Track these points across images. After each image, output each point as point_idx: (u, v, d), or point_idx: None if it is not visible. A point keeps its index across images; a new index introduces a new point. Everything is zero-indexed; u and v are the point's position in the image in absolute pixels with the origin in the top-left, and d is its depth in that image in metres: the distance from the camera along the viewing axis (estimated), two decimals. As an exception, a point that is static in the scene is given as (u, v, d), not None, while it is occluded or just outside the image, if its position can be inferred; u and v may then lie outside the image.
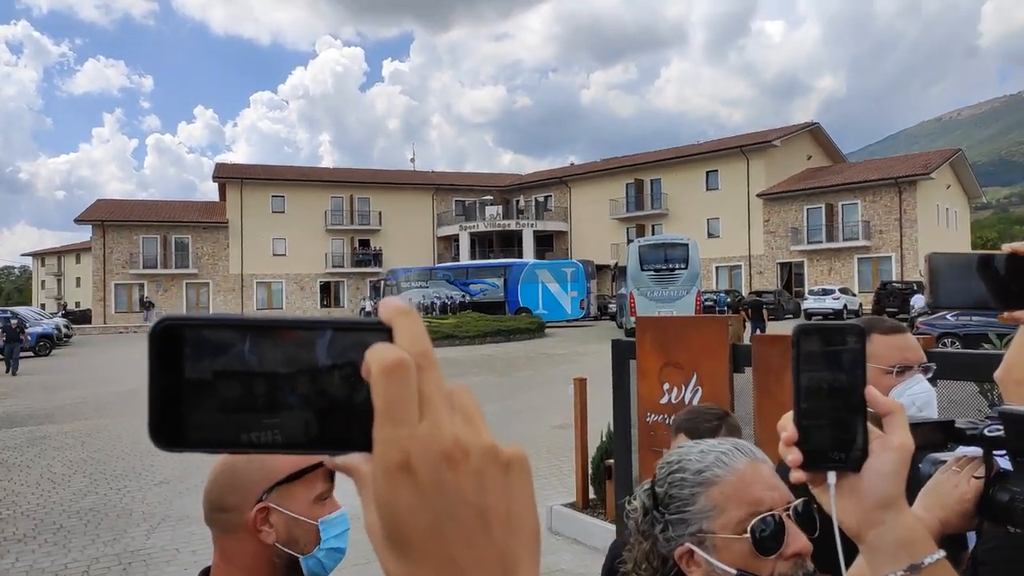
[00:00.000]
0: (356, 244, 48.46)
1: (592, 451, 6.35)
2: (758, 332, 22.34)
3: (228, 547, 1.23)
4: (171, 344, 0.36)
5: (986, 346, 5.88)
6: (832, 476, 0.69)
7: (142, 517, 6.98)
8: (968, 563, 1.31)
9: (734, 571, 1.00)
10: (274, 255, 46.19)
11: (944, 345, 16.00)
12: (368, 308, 40.46)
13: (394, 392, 0.35)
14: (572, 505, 6.19)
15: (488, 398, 13.01)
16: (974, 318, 16.55)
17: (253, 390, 0.37)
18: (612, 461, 5.76)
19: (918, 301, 28.40)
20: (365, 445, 0.37)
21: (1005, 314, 1.08)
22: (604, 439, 6.24)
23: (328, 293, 47.44)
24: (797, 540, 0.99)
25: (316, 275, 46.93)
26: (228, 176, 46.78)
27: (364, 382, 0.36)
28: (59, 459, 9.42)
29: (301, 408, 0.37)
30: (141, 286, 44.19)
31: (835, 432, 0.68)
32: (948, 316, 17.76)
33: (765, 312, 23.19)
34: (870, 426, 0.69)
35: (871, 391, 0.68)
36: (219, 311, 44.64)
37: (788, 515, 1.00)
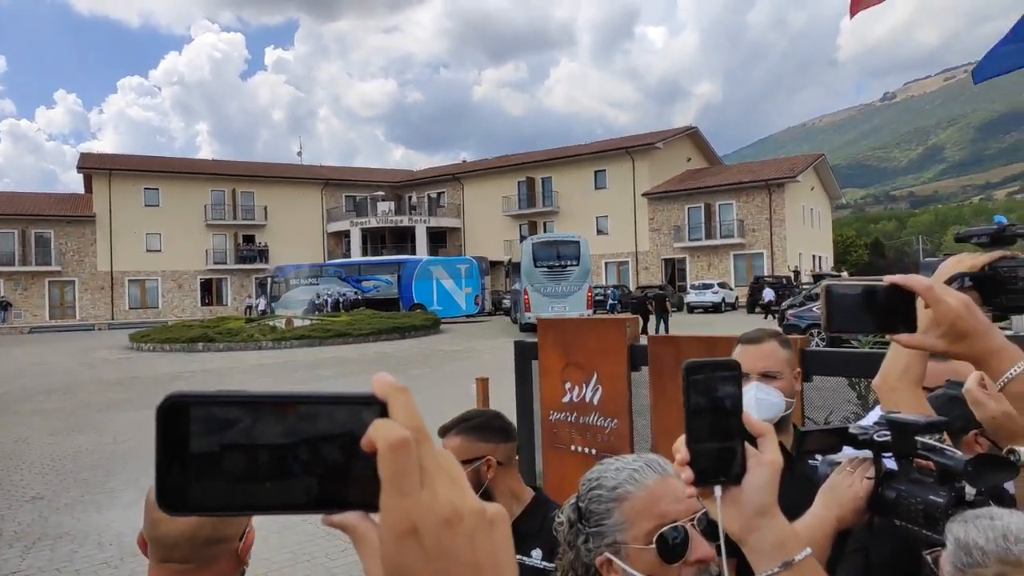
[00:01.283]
0: (240, 240, 46.36)
1: (496, 449, 6.47)
2: (662, 323, 23.98)
3: None
4: (177, 418, 0.39)
5: (853, 343, 6.51)
6: (718, 490, 0.81)
7: (15, 537, 6.48)
8: (860, 550, 1.50)
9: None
10: (148, 251, 43.40)
11: (812, 335, 17.36)
12: (254, 305, 38.84)
13: (400, 466, 0.40)
14: (476, 502, 6.30)
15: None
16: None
17: (258, 460, 0.39)
18: (516, 457, 5.92)
19: (768, 294, 31.07)
20: (359, 505, 0.41)
21: (887, 336, 1.27)
22: (508, 437, 6.39)
23: (209, 291, 45.13)
24: (700, 548, 1.10)
25: (196, 272, 44.52)
26: (95, 167, 43.43)
27: (359, 450, 0.40)
28: (-91, 479, 8.53)
29: (302, 474, 0.40)
30: (-4, 285, 40.38)
31: (719, 453, 0.80)
32: (813, 308, 19.25)
33: (668, 304, 25.10)
34: (747, 445, 0.82)
35: (746, 416, 0.81)
36: (87, 311, 41.54)
37: (693, 525, 1.11)
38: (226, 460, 0.39)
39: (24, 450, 9.83)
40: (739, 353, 2.14)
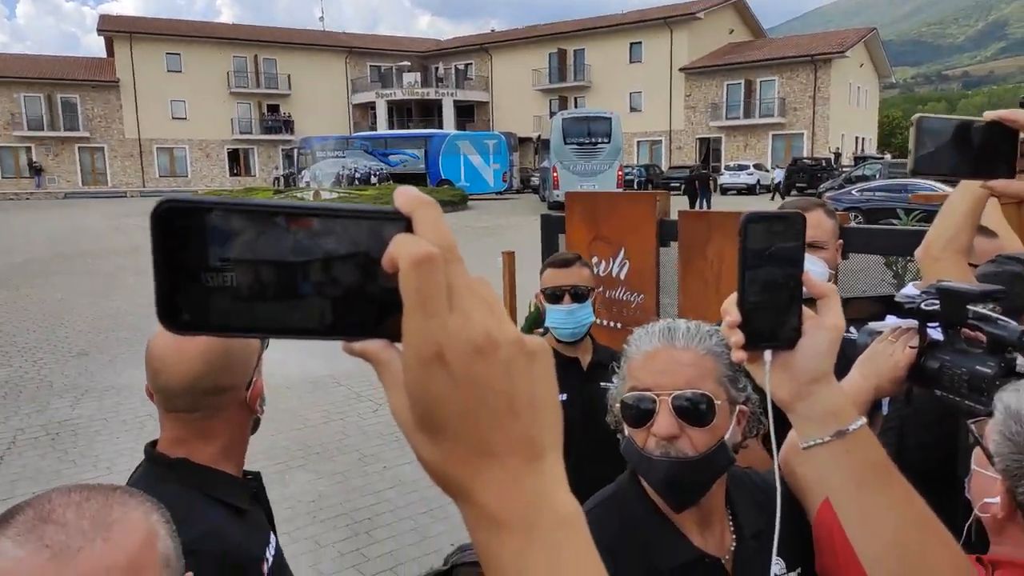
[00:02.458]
0: (264, 109, 45.64)
1: (521, 321, 6.58)
2: (704, 201, 24.15)
3: (210, 427, 1.23)
4: (175, 227, 0.35)
5: (894, 221, 6.33)
6: (768, 354, 0.76)
7: (64, 388, 6.86)
8: (894, 422, 1.48)
9: (627, 432, 1.16)
10: (173, 119, 42.99)
11: (848, 219, 16.99)
12: (279, 175, 38.84)
13: (425, 284, 0.36)
14: (501, 371, 6.46)
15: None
16: (877, 193, 17.55)
17: (262, 279, 0.36)
18: (541, 331, 6.01)
19: (778, 175, 30.52)
20: (381, 332, 0.38)
21: (979, 183, 1.13)
22: (532, 310, 6.46)
23: (237, 161, 45.04)
24: (662, 423, 1.09)
25: (223, 142, 44.27)
26: (115, 29, 42.24)
27: (380, 270, 0.37)
28: (-38, 333, 8.98)
29: (314, 296, 0.37)
30: (28, 149, 40.61)
31: (774, 314, 0.74)
32: (853, 191, 18.73)
33: (711, 183, 25.61)
34: (805, 308, 0.76)
35: (807, 275, 0.74)
36: (118, 178, 41.94)
37: (667, 400, 1.10)
38: (227, 276, 0.36)
39: (66, 310, 10.23)
40: None
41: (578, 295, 2.23)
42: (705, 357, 1.13)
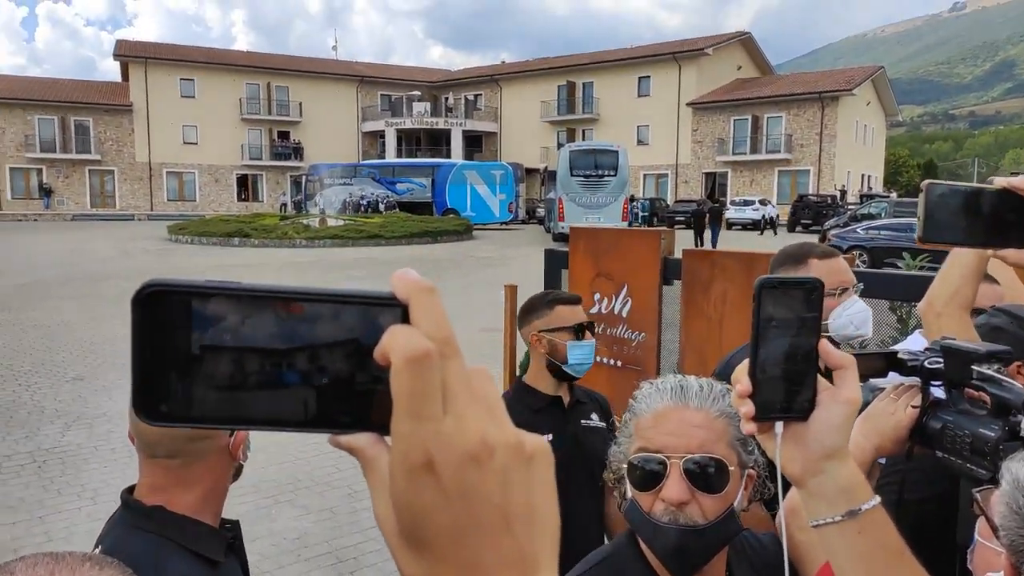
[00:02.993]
0: (275, 136, 46.15)
1: (520, 356, 6.47)
2: (714, 235, 24.36)
3: (190, 474, 1.20)
4: (157, 311, 0.34)
5: (899, 264, 6.23)
6: (779, 426, 0.71)
7: (55, 414, 6.76)
8: (894, 476, 1.40)
9: (631, 494, 1.11)
10: (185, 143, 43.48)
11: (852, 256, 16.91)
12: (288, 203, 39.09)
13: (418, 385, 0.33)
14: (499, 407, 6.34)
15: (415, 300, 12.99)
16: (882, 232, 17.48)
17: (245, 367, 0.34)
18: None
19: (771, 211, 30.98)
20: (370, 425, 0.35)
21: (990, 252, 1.11)
22: (524, 358, 6.36)
23: (246, 186, 45.41)
24: (672, 489, 1.04)
25: (232, 167, 44.69)
26: (131, 55, 42.98)
27: (372, 361, 0.34)
28: (-42, 355, 8.91)
29: (302, 386, 0.35)
30: (40, 171, 41.06)
31: (787, 385, 0.70)
32: (858, 230, 18.67)
33: (723, 217, 25.65)
34: (820, 378, 0.71)
35: (824, 345, 0.70)
36: (126, 201, 42.27)
37: (678, 464, 1.05)
38: (209, 364, 0.34)
39: (65, 333, 10.17)
40: (824, 267, 1.96)
41: (592, 329, 2.25)
42: (718, 419, 1.09)
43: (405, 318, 0.35)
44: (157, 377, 0.34)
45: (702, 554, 1.07)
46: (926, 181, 0.97)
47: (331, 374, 0.35)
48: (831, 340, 1.81)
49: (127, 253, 20.82)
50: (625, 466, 1.11)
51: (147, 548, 1.13)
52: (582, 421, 2.27)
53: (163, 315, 0.34)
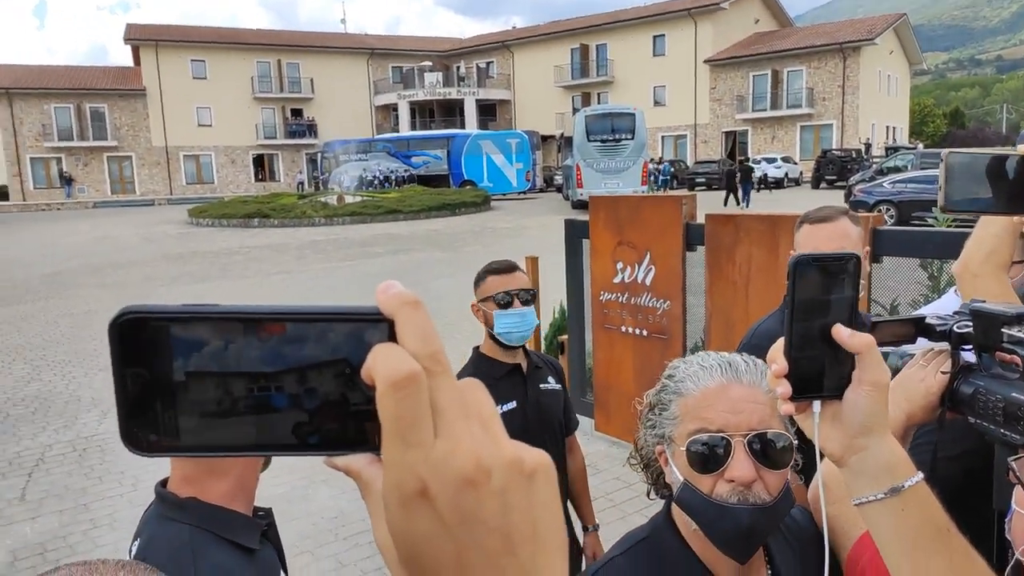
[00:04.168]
0: (288, 114, 46.09)
1: (545, 328, 6.46)
2: (747, 196, 24.10)
3: (223, 463, 1.22)
4: (136, 337, 0.33)
5: (928, 218, 6.08)
6: (817, 405, 0.72)
7: (92, 403, 6.90)
8: (925, 438, 1.38)
9: (682, 479, 1.07)
10: (199, 125, 43.60)
11: (880, 211, 16.58)
12: (304, 181, 39.19)
13: (405, 410, 0.32)
14: (525, 379, 6.36)
15: (436, 274, 13.02)
16: (909, 185, 17.11)
17: (234, 392, 0.33)
18: (566, 337, 5.89)
19: (779, 170, 30.56)
20: (367, 445, 0.34)
21: (1015, 218, 1.08)
22: (557, 316, 6.34)
23: (262, 166, 45.55)
24: (739, 468, 1.01)
25: (248, 147, 44.79)
26: (141, 38, 42.91)
27: (361, 380, 0.33)
28: (-6, 346, 9.12)
29: (291, 409, 0.34)
30: (59, 160, 41.48)
31: (823, 363, 0.71)
32: (884, 183, 18.28)
33: (752, 176, 25.26)
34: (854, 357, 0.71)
35: (838, 331, 0.70)
36: (145, 186, 42.61)
37: (742, 442, 1.02)
38: (194, 391, 0.33)
39: (94, 321, 10.34)
40: (807, 233, 2.00)
41: (526, 299, 2.25)
42: (770, 394, 1.06)
43: (392, 333, 0.34)
44: (142, 406, 0.33)
45: (769, 532, 1.06)
46: (946, 150, 0.95)
47: (322, 395, 0.34)
48: None
49: (150, 239, 21.05)
50: (680, 449, 1.07)
51: (183, 539, 1.14)
52: (540, 385, 2.35)
53: (143, 342, 0.33)
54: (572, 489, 2.51)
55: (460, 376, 2.23)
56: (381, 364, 0.32)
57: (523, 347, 2.36)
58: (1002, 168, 0.93)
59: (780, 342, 0.71)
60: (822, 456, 0.75)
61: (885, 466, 0.73)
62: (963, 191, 0.95)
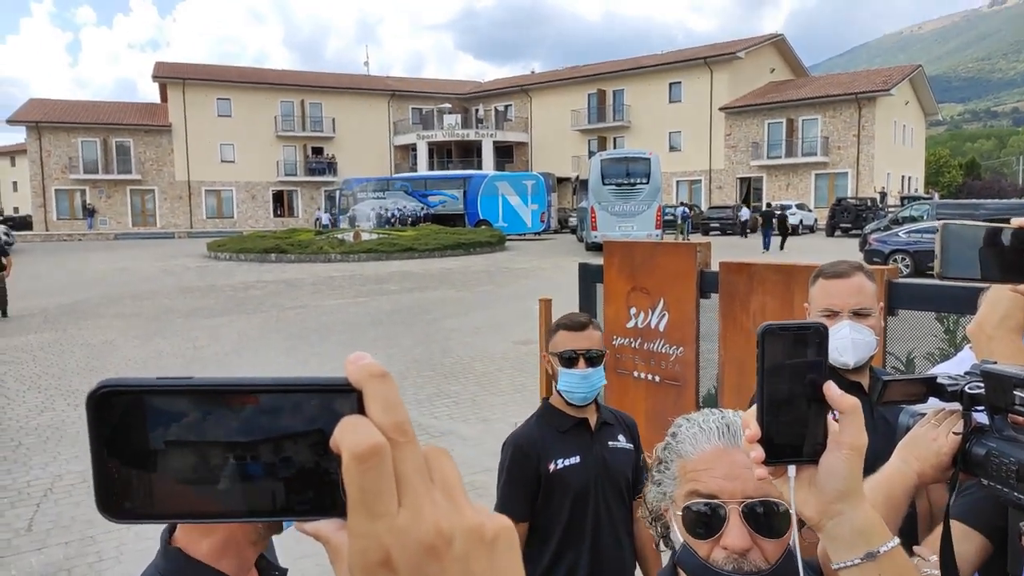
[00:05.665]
0: (309, 152, 46.92)
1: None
2: (768, 239, 24.31)
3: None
4: (113, 409, 0.34)
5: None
6: (792, 469, 0.73)
7: (103, 434, 6.91)
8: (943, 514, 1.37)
9: (681, 540, 1.06)
10: (222, 162, 44.47)
11: (895, 261, 16.51)
12: (323, 219, 39.68)
13: (368, 481, 0.32)
14: (536, 422, 6.32)
15: (448, 313, 13.05)
16: (925, 235, 17.05)
17: (210, 461, 0.34)
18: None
19: (744, 214, 30.77)
20: (335, 510, 0.35)
21: (1009, 288, 1.10)
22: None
23: (281, 202, 46.23)
24: (733, 536, 1.00)
25: (268, 183, 45.53)
26: (169, 76, 44.13)
27: (331, 450, 0.34)
28: (10, 374, 9.20)
29: (264, 478, 0.35)
30: (83, 191, 42.35)
31: (796, 428, 0.71)
32: (900, 233, 18.24)
33: (775, 221, 25.41)
34: (830, 420, 0.72)
35: (829, 388, 0.71)
36: (166, 219, 43.29)
37: (736, 509, 1.02)
38: (172, 461, 0.34)
39: (111, 351, 10.43)
40: (823, 288, 1.98)
41: (592, 359, 2.19)
42: None
43: (361, 404, 0.35)
44: (118, 475, 0.34)
45: None
46: (941, 222, 0.99)
47: (295, 464, 0.35)
48: None
49: (169, 271, 21.30)
50: (678, 512, 1.07)
51: None
52: (609, 443, 2.29)
53: (120, 413, 0.34)
54: (640, 552, 2.41)
55: (527, 423, 2.14)
56: (346, 437, 0.33)
57: (596, 402, 2.30)
58: (997, 239, 0.96)
59: (754, 408, 0.73)
60: (800, 523, 0.76)
61: (860, 530, 0.73)
62: (959, 260, 0.97)
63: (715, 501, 1.03)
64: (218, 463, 0.34)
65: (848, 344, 1.86)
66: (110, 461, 0.34)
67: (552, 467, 2.19)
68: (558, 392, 2.24)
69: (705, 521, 1.03)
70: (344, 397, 0.35)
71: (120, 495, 0.34)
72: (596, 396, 2.27)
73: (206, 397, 0.34)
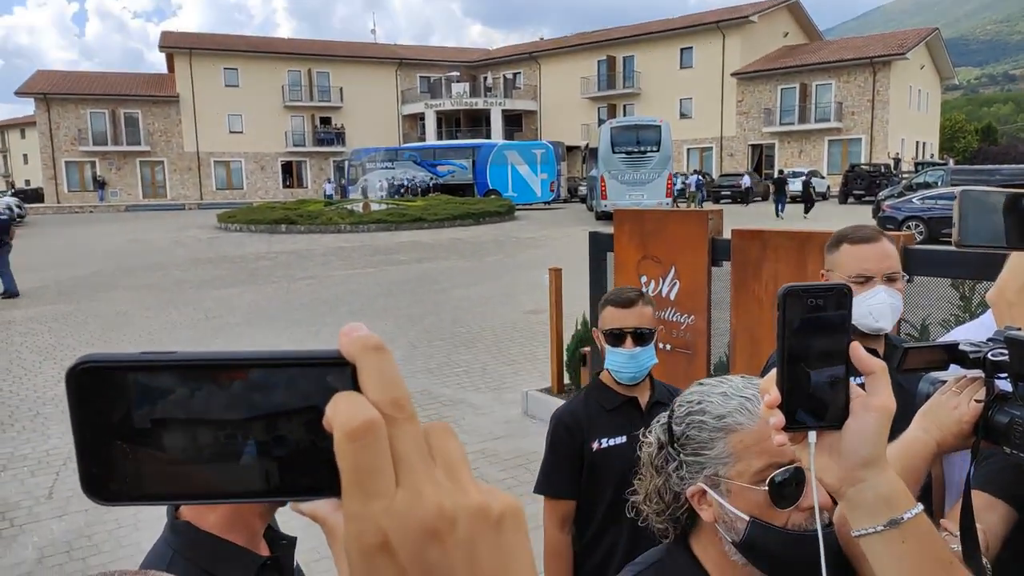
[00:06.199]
0: (317, 122, 46.65)
1: (567, 339, 6.45)
2: (782, 206, 24.30)
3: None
4: (94, 386, 0.32)
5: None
6: (812, 435, 0.71)
7: (119, 404, 7.00)
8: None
9: (747, 517, 1.01)
10: (231, 132, 44.27)
11: (909, 228, 16.34)
12: (329, 191, 39.62)
13: (363, 460, 0.31)
14: (547, 390, 6.36)
15: (458, 283, 13.06)
16: (939, 202, 16.84)
17: (200, 440, 0.33)
18: (588, 349, 5.87)
19: (746, 181, 30.51)
20: (331, 490, 0.33)
21: None
22: (579, 328, 6.33)
23: (291, 173, 46.12)
24: (823, 494, 0.98)
25: (277, 154, 45.39)
26: (176, 46, 43.80)
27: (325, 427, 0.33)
28: (27, 345, 9.31)
29: (257, 456, 0.33)
30: (93, 164, 42.38)
31: (817, 393, 0.70)
32: (914, 199, 18.01)
33: (787, 188, 25.31)
34: (853, 385, 0.71)
35: (855, 349, 0.69)
36: (177, 191, 43.34)
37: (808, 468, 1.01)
38: (159, 440, 0.32)
39: (125, 323, 10.53)
40: (852, 253, 1.90)
41: (641, 337, 2.07)
42: None
43: (354, 377, 0.33)
44: (102, 455, 0.32)
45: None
46: (959, 188, 0.96)
47: (289, 442, 0.33)
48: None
49: (180, 243, 21.39)
50: (744, 485, 1.02)
51: (162, 565, 1.13)
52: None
53: (101, 391, 0.32)
54: None
55: (576, 398, 2.08)
56: (338, 413, 0.31)
57: (651, 379, 2.18)
58: (1019, 205, 0.93)
59: (773, 372, 0.71)
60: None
61: (883, 498, 0.72)
62: (978, 227, 0.96)
63: (796, 465, 1.00)
64: (208, 442, 0.33)
65: (887, 309, 1.81)
66: (93, 441, 0.32)
67: (596, 446, 2.11)
68: (607, 369, 2.16)
69: (792, 489, 1.00)
70: (338, 371, 0.33)
71: (105, 476, 0.32)
72: (647, 374, 2.16)
73: (193, 373, 0.33)
